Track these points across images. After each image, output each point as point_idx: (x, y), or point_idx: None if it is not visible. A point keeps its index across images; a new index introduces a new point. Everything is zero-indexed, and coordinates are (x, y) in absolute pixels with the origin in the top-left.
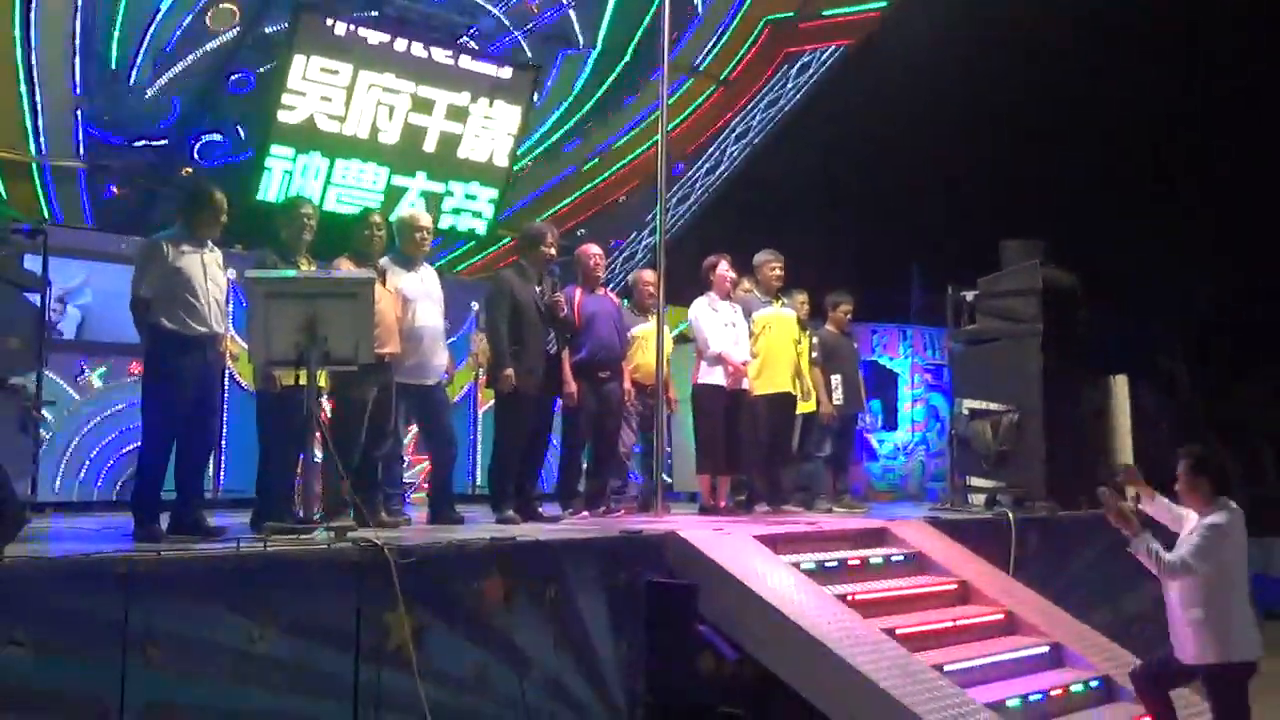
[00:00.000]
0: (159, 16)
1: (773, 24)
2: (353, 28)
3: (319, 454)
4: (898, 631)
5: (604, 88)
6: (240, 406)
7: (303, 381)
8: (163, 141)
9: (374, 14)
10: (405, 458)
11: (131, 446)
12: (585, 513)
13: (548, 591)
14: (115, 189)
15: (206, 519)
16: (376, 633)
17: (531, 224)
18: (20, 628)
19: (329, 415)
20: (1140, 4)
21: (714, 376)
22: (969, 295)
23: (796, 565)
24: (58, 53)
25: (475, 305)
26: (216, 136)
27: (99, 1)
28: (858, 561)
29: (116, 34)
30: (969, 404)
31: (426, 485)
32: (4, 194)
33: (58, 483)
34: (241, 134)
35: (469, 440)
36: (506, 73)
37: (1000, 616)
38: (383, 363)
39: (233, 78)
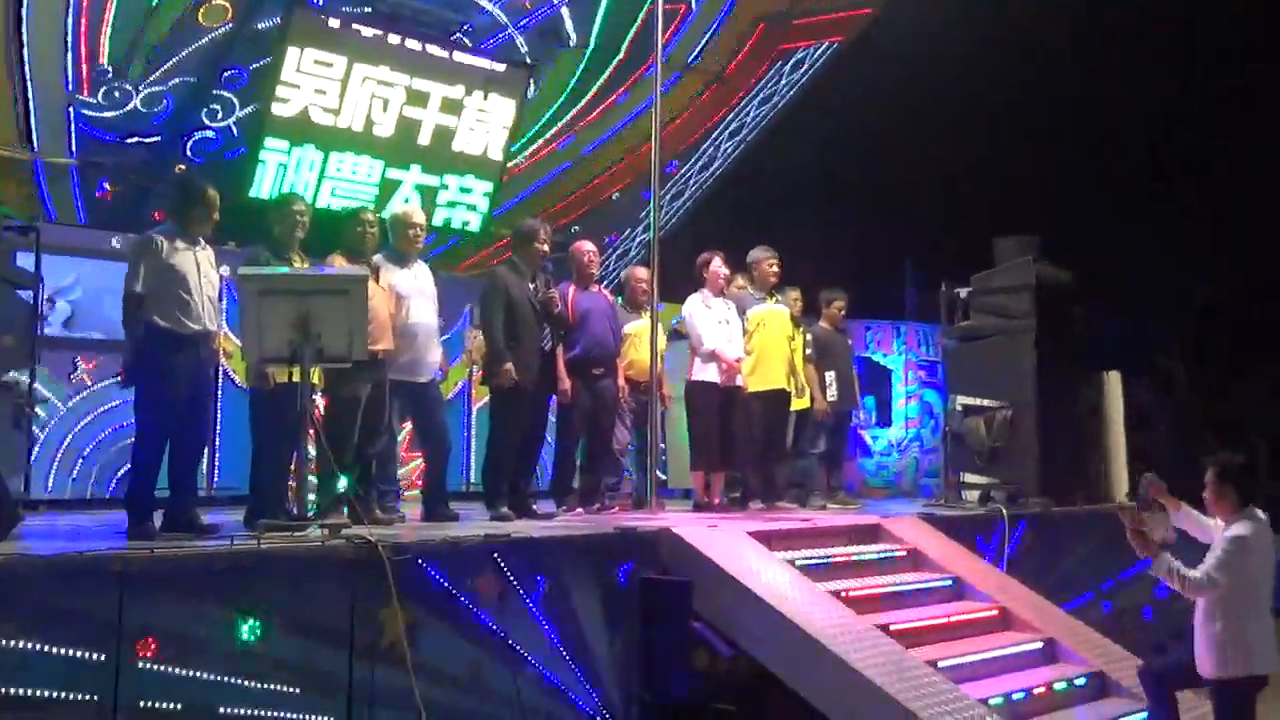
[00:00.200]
0: (152, 13)
1: (766, 20)
2: (347, 23)
3: (313, 451)
4: (892, 628)
5: (597, 84)
6: (234, 404)
7: (296, 378)
8: (155, 138)
9: (367, 10)
10: (399, 455)
11: (125, 444)
12: (579, 509)
13: (542, 588)
14: (108, 186)
15: (200, 516)
16: (371, 630)
17: (525, 221)
18: (14, 625)
19: (322, 412)
20: (1138, 2)
21: (708, 373)
22: (963, 292)
23: (791, 562)
24: (50, 49)
25: (469, 303)
26: (209, 133)
27: (91, 1)
28: (852, 558)
29: (109, 30)
30: (963, 400)
31: (420, 482)
32: None
33: (51, 480)
34: (234, 131)
35: (463, 437)
36: (500, 68)
37: (994, 612)
38: (376, 360)
39: (225, 74)
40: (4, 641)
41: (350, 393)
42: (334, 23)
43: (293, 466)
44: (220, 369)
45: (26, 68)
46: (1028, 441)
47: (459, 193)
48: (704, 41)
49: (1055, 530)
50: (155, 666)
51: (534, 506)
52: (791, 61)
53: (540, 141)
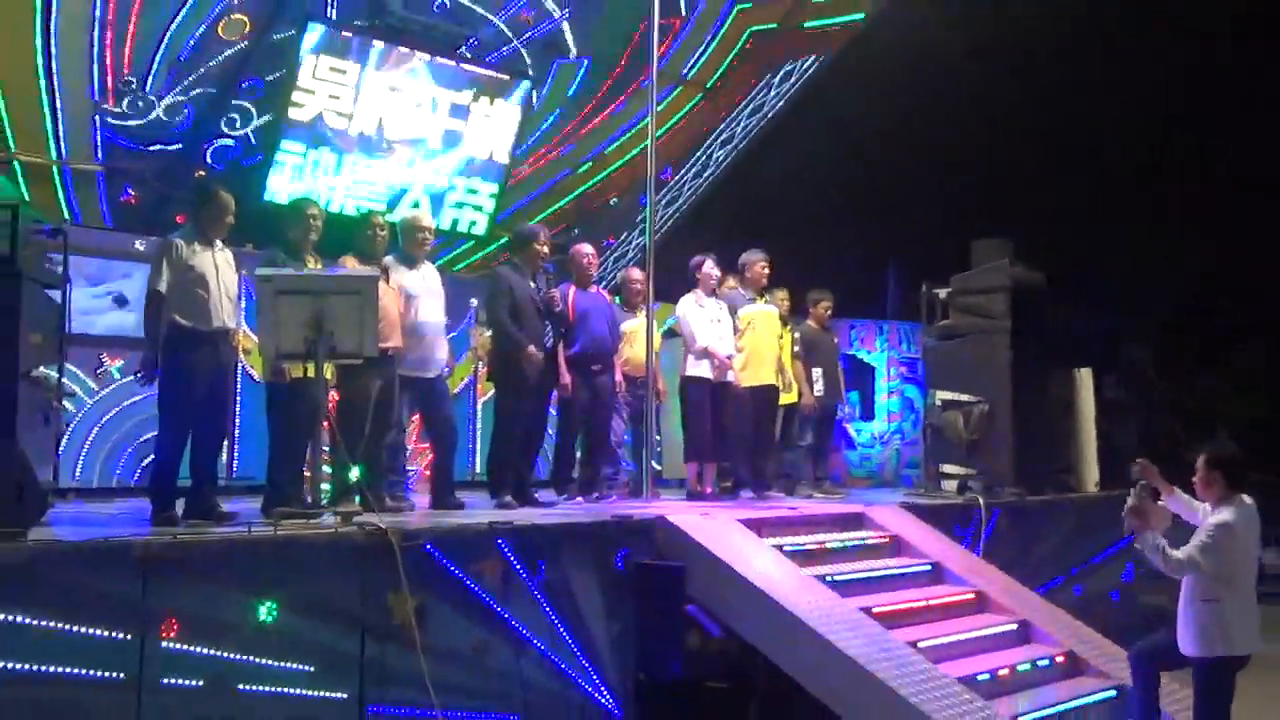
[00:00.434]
0: (173, 27)
1: (757, 34)
2: (359, 35)
3: (326, 443)
4: (874, 610)
5: (596, 95)
6: (252, 397)
7: (311, 374)
8: (177, 146)
9: (378, 23)
10: (408, 446)
11: (148, 435)
12: (579, 498)
13: (543, 573)
14: (131, 191)
15: (220, 504)
16: (381, 611)
17: (524, 224)
18: (44, 606)
19: (336, 406)
20: (1107, 20)
21: (701, 369)
22: (942, 293)
23: (779, 548)
24: (77, 61)
25: (474, 301)
26: (228, 141)
27: (117, 13)
28: (836, 544)
29: (132, 44)
30: (942, 395)
31: (428, 472)
32: (27, 196)
33: (79, 469)
34: (252, 139)
35: (469, 430)
36: (505, 76)
37: (971, 596)
38: (386, 356)
39: (244, 85)
40: (34, 621)
41: (362, 387)
42: (346, 34)
43: (307, 457)
44: (239, 365)
45: (55, 79)
46: (1003, 434)
47: (466, 194)
48: (697, 55)
49: (1029, 518)
50: (177, 646)
51: (536, 495)
52: (780, 74)
53: (542, 149)
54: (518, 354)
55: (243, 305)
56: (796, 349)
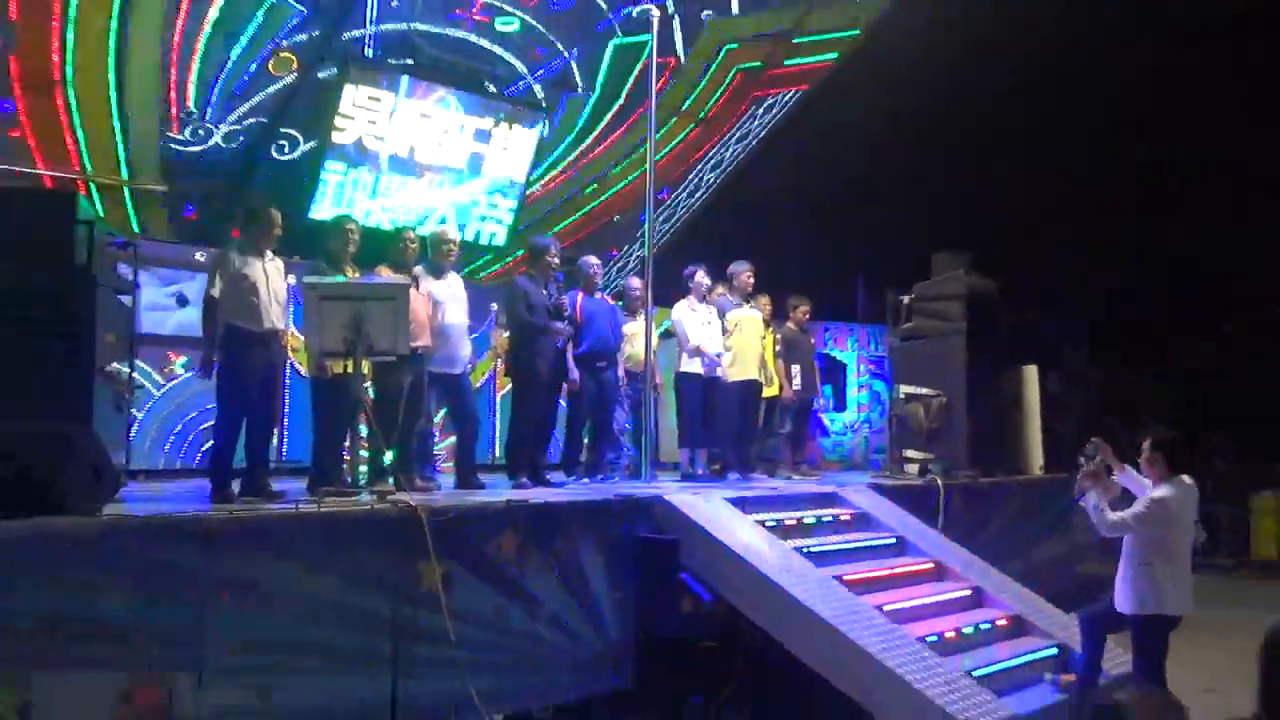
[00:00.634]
0: (229, 65)
1: (743, 71)
2: (393, 72)
3: (364, 430)
4: (845, 578)
5: (601, 125)
6: (298, 390)
7: (350, 369)
8: (233, 169)
9: (409, 62)
10: (435, 433)
11: (208, 424)
12: (586, 479)
13: (554, 545)
14: (193, 209)
15: (271, 484)
16: (412, 579)
17: (538, 238)
18: (116, 573)
19: (372, 398)
20: (1055, 45)
21: (693, 366)
22: (905, 299)
23: (761, 523)
24: (147, 95)
25: (494, 306)
26: (278, 164)
27: (180, 54)
28: (812, 520)
29: (194, 79)
30: (905, 389)
31: (454, 456)
32: (101, 212)
33: (147, 453)
34: (299, 163)
35: (489, 419)
36: (522, 108)
37: (930, 566)
38: (416, 354)
39: (291, 115)
40: (108, 586)
41: (395, 381)
42: (382, 74)
43: (347, 443)
44: (287, 361)
45: (127, 112)
46: (959, 424)
47: (488, 208)
48: (691, 90)
49: (981, 497)
50: (234, 609)
51: (548, 477)
52: (764, 106)
53: (554, 172)
54: (538, 346)
55: (290, 309)
56: (777, 348)
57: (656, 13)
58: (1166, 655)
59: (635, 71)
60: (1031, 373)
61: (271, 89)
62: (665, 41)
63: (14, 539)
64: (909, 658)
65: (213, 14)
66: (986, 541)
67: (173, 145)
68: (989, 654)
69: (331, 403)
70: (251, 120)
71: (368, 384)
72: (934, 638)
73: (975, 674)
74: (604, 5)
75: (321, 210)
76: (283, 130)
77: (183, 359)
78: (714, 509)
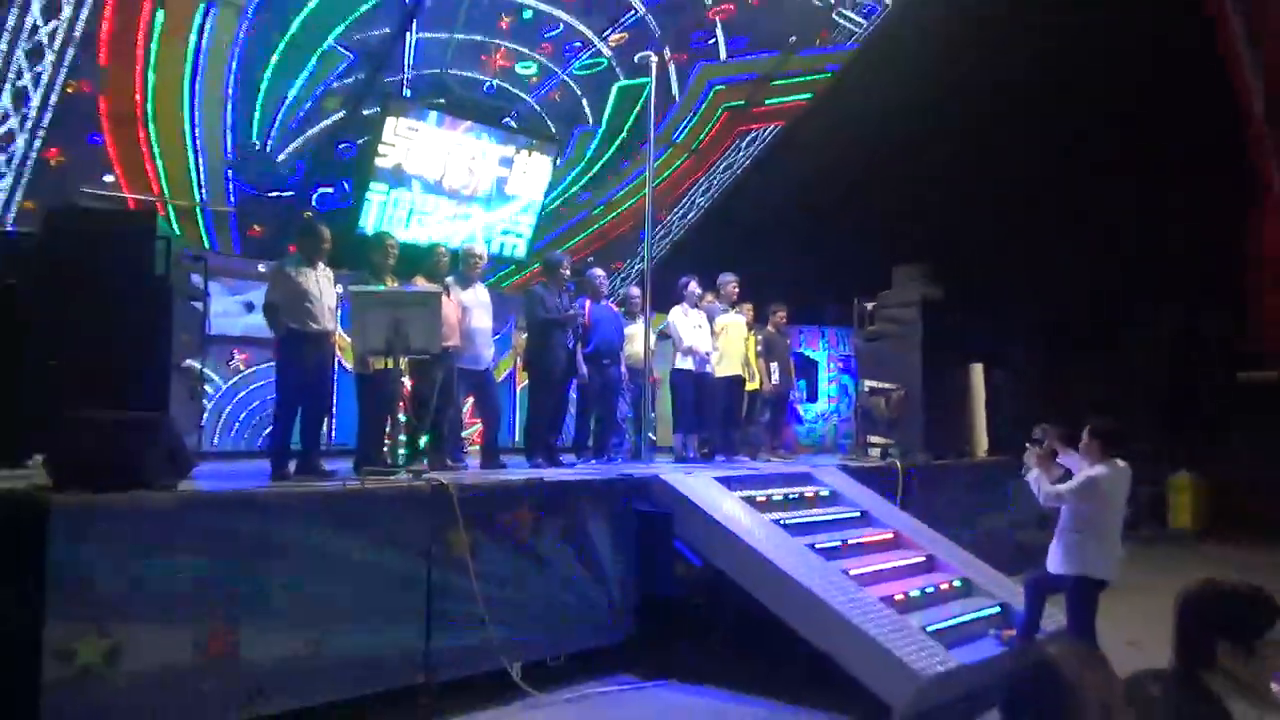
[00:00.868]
0: (287, 102)
1: (730, 109)
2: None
3: (402, 418)
4: (817, 546)
5: (607, 155)
6: (346, 383)
7: (390, 365)
8: (290, 193)
9: (441, 101)
10: (463, 421)
11: (268, 412)
12: (593, 461)
13: (566, 517)
14: (256, 227)
15: (322, 463)
16: (443, 546)
17: (552, 253)
18: (190, 540)
19: (409, 390)
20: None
21: (685, 363)
22: (869, 305)
23: (744, 499)
24: (215, 128)
25: (515, 313)
26: (329, 189)
27: (244, 92)
28: (788, 496)
29: (257, 115)
30: (869, 384)
31: (479, 441)
32: (177, 231)
33: (216, 436)
34: (347, 187)
35: (509, 409)
36: (538, 140)
37: (890, 535)
38: (447, 353)
39: (340, 146)
40: (183, 550)
41: (428, 376)
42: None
43: (387, 429)
44: (336, 358)
45: (199, 143)
46: (915, 413)
47: (511, 224)
48: (684, 125)
49: (935, 477)
50: (290, 570)
51: (560, 459)
52: (747, 139)
53: (567, 195)
54: (552, 345)
55: (339, 313)
56: (759, 348)
57: (655, 59)
58: (1095, 614)
59: (636, 109)
60: (978, 369)
61: (324, 123)
62: (662, 83)
63: (105, 510)
64: (871, 615)
65: (273, 60)
66: (939, 515)
67: (238, 172)
68: (941, 612)
69: (374, 394)
70: (306, 151)
71: (405, 378)
72: (900, 596)
73: (929, 629)
74: (608, 52)
75: (366, 225)
76: (333, 159)
77: (246, 356)
78: (703, 486)
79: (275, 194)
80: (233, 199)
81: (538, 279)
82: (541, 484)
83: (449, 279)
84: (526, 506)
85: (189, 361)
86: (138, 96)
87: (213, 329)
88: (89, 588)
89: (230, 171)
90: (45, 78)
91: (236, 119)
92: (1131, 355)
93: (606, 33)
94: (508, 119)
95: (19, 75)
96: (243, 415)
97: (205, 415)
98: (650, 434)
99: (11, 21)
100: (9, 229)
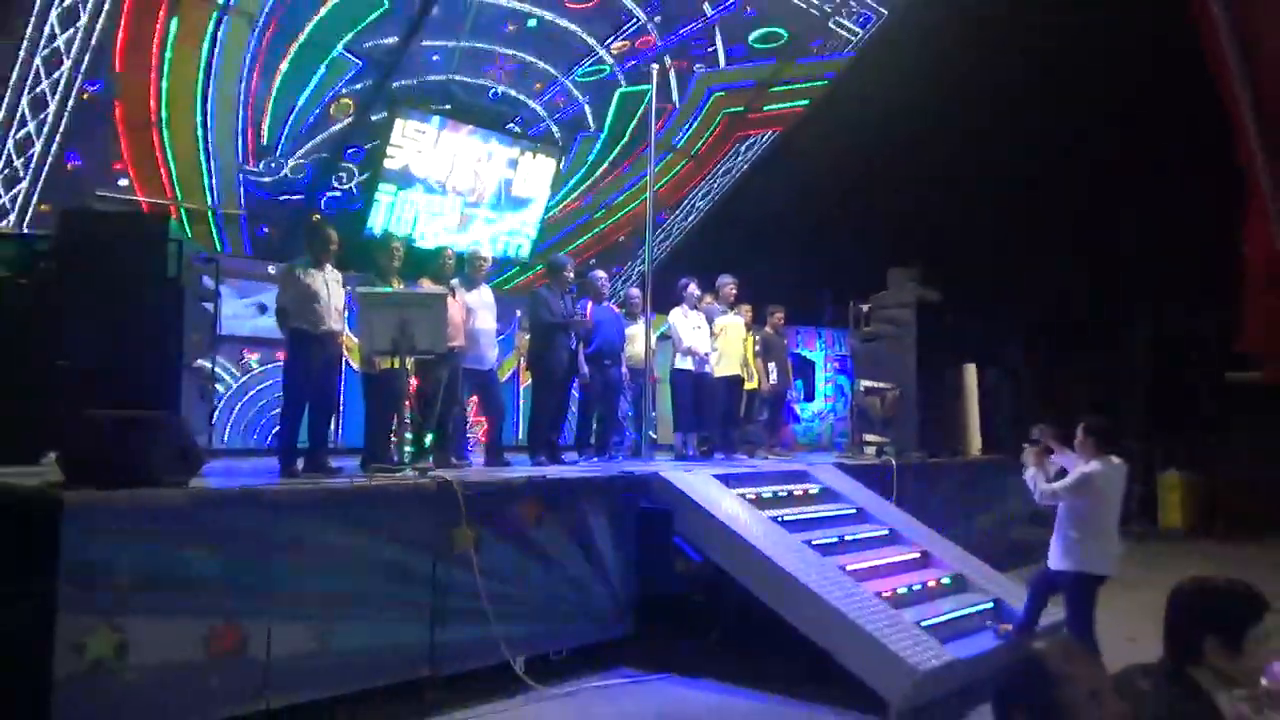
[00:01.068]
0: (297, 108)
1: (729, 115)
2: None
3: (408, 416)
4: (814, 542)
5: (609, 160)
6: (353, 383)
7: (396, 365)
8: (299, 196)
9: (448, 107)
10: (468, 420)
11: (276, 410)
12: (594, 458)
13: (568, 514)
14: (267, 229)
15: (330, 461)
16: (448, 542)
17: (556, 256)
18: (200, 536)
19: (415, 389)
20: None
21: (685, 363)
22: (865, 307)
23: (742, 496)
24: (227, 133)
25: (519, 313)
26: (337, 193)
27: (256, 98)
28: (785, 493)
29: (267, 120)
30: (864, 383)
31: (483, 439)
32: (189, 232)
33: (226, 434)
34: (355, 190)
35: (513, 408)
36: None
37: (885, 532)
38: (452, 353)
39: (349, 151)
40: (193, 547)
41: (434, 376)
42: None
43: (394, 427)
44: (343, 358)
45: (211, 147)
46: (910, 413)
47: (517, 224)
48: (684, 130)
49: (929, 475)
50: (298, 566)
51: (562, 456)
52: (745, 144)
53: (569, 199)
54: (555, 346)
55: (346, 314)
56: (757, 348)
57: (655, 67)
58: (1094, 609)
59: (637, 116)
60: (971, 370)
61: (332, 129)
62: (663, 90)
63: (116, 507)
64: (867, 610)
65: (284, 67)
66: (933, 512)
67: (249, 175)
68: (935, 607)
69: (380, 393)
70: (316, 155)
71: (410, 378)
72: (891, 592)
73: (923, 624)
74: (610, 60)
75: (375, 223)
76: (341, 164)
77: (256, 356)
78: (703, 484)
79: (285, 197)
80: (243, 202)
81: (541, 281)
82: (544, 481)
83: (454, 281)
84: (529, 503)
85: (200, 361)
86: (152, 102)
87: (225, 329)
88: (100, 583)
89: (241, 175)
90: (62, 84)
91: (247, 125)
92: (1122, 355)
93: (609, 40)
94: (511, 124)
95: (37, 81)
96: (252, 414)
97: (215, 414)
98: (651, 432)
99: (30, 30)
100: (26, 231)
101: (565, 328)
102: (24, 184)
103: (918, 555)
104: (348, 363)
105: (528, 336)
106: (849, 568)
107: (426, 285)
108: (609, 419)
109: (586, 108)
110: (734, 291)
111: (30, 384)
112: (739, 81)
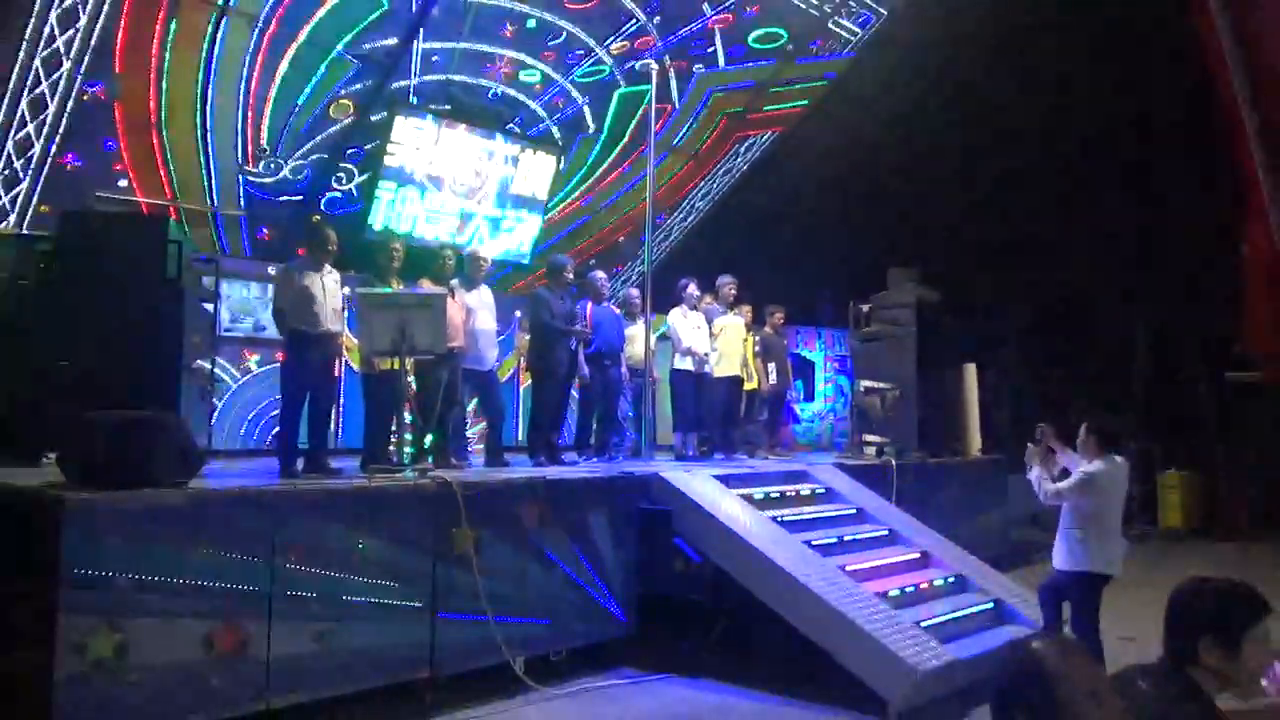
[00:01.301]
0: (297, 109)
1: (728, 115)
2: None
3: (407, 417)
4: (814, 543)
5: (608, 160)
6: (352, 384)
7: (396, 366)
8: (299, 197)
9: (448, 108)
10: (468, 420)
11: (275, 411)
12: (594, 459)
13: (568, 514)
14: (266, 230)
15: (329, 462)
16: (447, 543)
17: (556, 256)
18: (201, 538)
19: (414, 390)
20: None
21: (685, 364)
22: (865, 307)
23: (742, 496)
24: (227, 134)
25: (518, 313)
26: (337, 193)
27: (256, 99)
28: (785, 493)
29: (267, 121)
30: (864, 383)
31: (483, 440)
32: (189, 234)
33: (226, 435)
34: (354, 191)
35: (513, 408)
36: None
37: (885, 532)
38: (452, 353)
39: (348, 151)
40: (193, 547)
41: (434, 376)
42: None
43: (394, 427)
44: (342, 359)
45: (211, 148)
46: (909, 413)
47: (516, 223)
48: (684, 131)
49: (929, 475)
50: (298, 567)
51: (562, 457)
52: (745, 144)
53: (569, 199)
54: (555, 347)
55: (345, 314)
56: (756, 348)
57: (655, 66)
58: (1099, 608)
59: (637, 116)
60: (971, 369)
61: (332, 130)
62: (662, 90)
63: (116, 508)
64: (867, 610)
65: (283, 68)
66: (933, 512)
67: (249, 176)
68: (935, 607)
69: (380, 394)
70: (315, 156)
71: (410, 378)
72: (895, 592)
73: (923, 624)
74: (610, 60)
75: (375, 220)
76: (341, 165)
77: (256, 357)
78: (703, 484)
79: (285, 198)
80: (243, 203)
81: (541, 282)
82: (544, 482)
83: (454, 281)
84: (529, 504)
85: (199, 362)
86: (151, 104)
87: (224, 329)
88: (100, 584)
89: (241, 176)
90: (62, 85)
91: (247, 126)
92: (1122, 355)
93: (608, 41)
94: (511, 125)
95: (37, 82)
96: (252, 414)
97: (215, 414)
98: (650, 433)
99: (29, 30)
100: (26, 232)
101: (568, 335)
102: (24, 184)
103: (918, 555)
104: (347, 363)
105: (528, 337)
106: (849, 568)
107: (426, 285)
108: (609, 419)
109: (586, 108)
110: (734, 291)
111: (30, 384)
112: (739, 82)
